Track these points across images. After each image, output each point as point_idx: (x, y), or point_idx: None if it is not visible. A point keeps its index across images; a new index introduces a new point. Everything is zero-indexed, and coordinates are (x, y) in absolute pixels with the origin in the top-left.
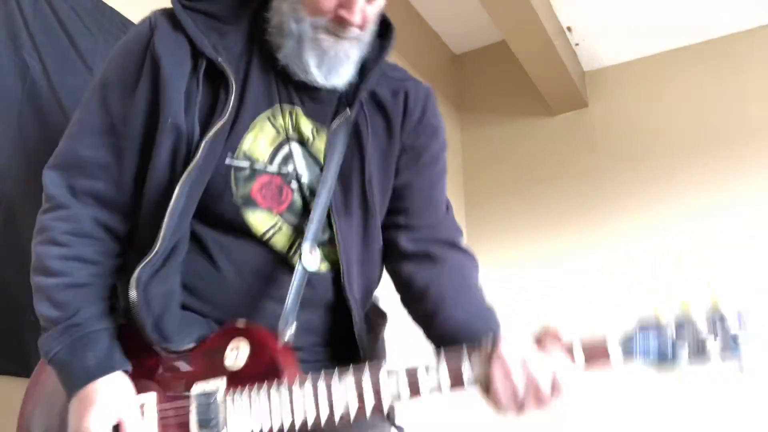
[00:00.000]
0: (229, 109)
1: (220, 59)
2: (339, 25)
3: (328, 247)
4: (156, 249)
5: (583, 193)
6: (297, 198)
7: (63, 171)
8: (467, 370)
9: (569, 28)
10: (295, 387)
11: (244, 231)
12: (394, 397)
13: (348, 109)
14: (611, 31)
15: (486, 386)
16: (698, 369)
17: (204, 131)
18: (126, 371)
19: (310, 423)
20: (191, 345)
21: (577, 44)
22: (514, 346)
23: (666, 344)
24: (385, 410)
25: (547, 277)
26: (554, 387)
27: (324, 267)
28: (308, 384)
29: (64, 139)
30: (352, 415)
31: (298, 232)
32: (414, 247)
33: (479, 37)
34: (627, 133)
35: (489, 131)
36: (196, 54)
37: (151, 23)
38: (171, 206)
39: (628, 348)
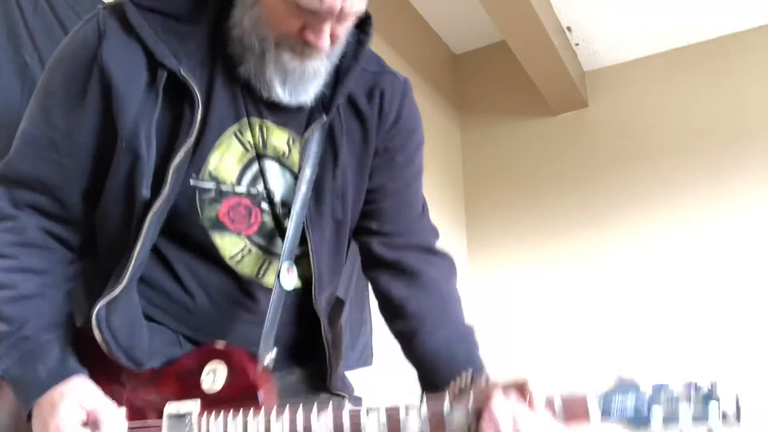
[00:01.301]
0: (196, 127)
1: (182, 70)
2: (305, 46)
3: (300, 261)
4: (123, 284)
5: (582, 193)
6: (267, 219)
7: (5, 183)
8: (450, 418)
9: (569, 28)
10: (272, 418)
11: (211, 254)
12: None
13: (324, 115)
14: (611, 31)
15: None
16: None
17: (168, 155)
18: (83, 375)
19: None
20: (161, 364)
21: (577, 44)
22: (502, 400)
23: (642, 405)
24: None
25: (546, 276)
26: None
27: (297, 283)
28: (286, 416)
29: (10, 151)
30: None
31: (267, 254)
32: (389, 255)
33: (479, 37)
34: (627, 133)
35: (489, 131)
36: (154, 65)
37: (99, 28)
38: (139, 244)
39: (606, 406)
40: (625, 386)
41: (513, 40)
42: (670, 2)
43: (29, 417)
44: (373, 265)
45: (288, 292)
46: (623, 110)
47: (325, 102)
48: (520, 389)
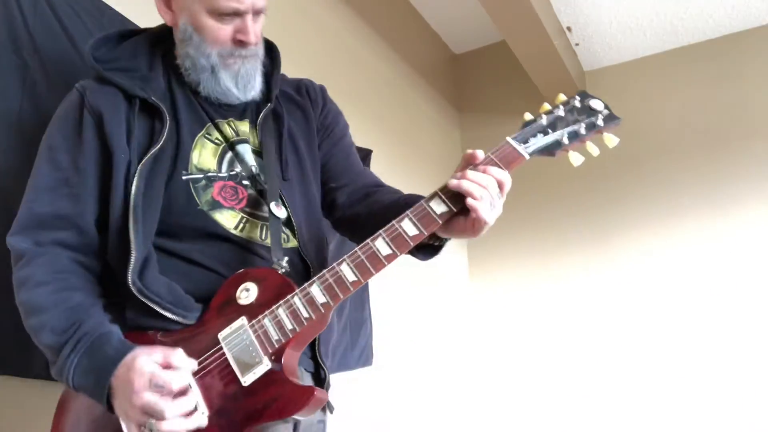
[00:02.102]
0: (164, 136)
1: (152, 97)
2: (240, 47)
3: (289, 228)
4: (134, 255)
5: (582, 193)
6: (252, 192)
7: (25, 232)
8: (434, 207)
9: (569, 28)
10: (307, 287)
11: (216, 231)
12: (389, 254)
13: (268, 104)
14: (611, 31)
15: (453, 212)
16: (576, 144)
17: (140, 160)
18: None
19: (331, 305)
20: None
21: (577, 44)
22: (459, 174)
23: (546, 130)
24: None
25: (545, 276)
26: (500, 186)
27: (291, 244)
28: (316, 281)
29: (21, 208)
30: (362, 280)
31: (262, 220)
32: (349, 198)
33: (479, 37)
34: (627, 133)
35: (489, 131)
36: (129, 97)
37: (78, 90)
38: (131, 224)
39: (522, 139)
40: (529, 125)
41: (513, 40)
42: (670, 2)
43: (108, 406)
44: (341, 210)
45: (289, 251)
46: (623, 110)
47: (265, 97)
48: (467, 161)
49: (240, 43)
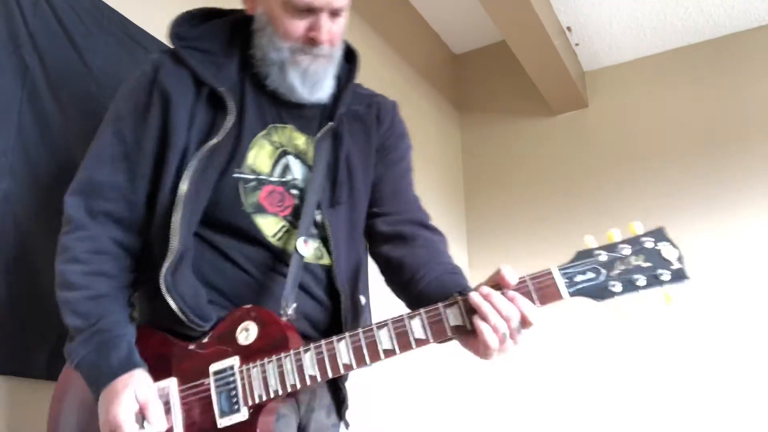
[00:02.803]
0: (227, 130)
1: (220, 89)
2: (311, 45)
3: (325, 247)
4: (172, 250)
5: (582, 193)
6: (297, 203)
7: (81, 196)
8: (450, 316)
9: (569, 28)
10: (302, 352)
11: (255, 236)
12: (388, 350)
13: (330, 122)
14: (611, 31)
15: (467, 329)
16: (629, 295)
17: (198, 149)
18: (144, 369)
19: (318, 380)
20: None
21: (577, 44)
22: (486, 291)
23: (600, 275)
24: (382, 357)
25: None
26: (524, 322)
27: (325, 261)
28: (312, 348)
29: (80, 170)
30: (355, 367)
31: (302, 233)
32: (389, 229)
33: (479, 37)
34: (627, 133)
35: (489, 131)
36: (199, 83)
37: (154, 63)
38: (175, 215)
39: (568, 275)
40: (583, 257)
41: (513, 40)
42: (669, 2)
43: (96, 397)
44: (377, 242)
45: (319, 270)
46: (623, 110)
47: (331, 113)
48: (496, 281)
49: (311, 40)
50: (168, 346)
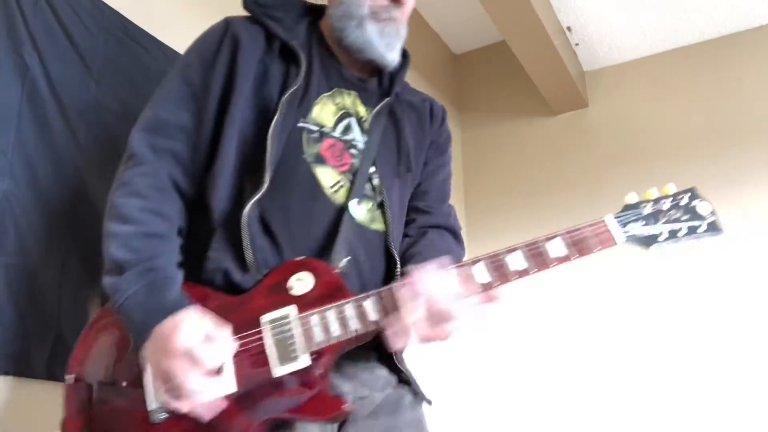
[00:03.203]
0: (301, 78)
1: (292, 42)
2: (393, 5)
3: (380, 211)
4: (264, 186)
5: (582, 193)
6: (355, 162)
7: (146, 132)
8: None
9: (569, 28)
10: (362, 299)
11: (312, 185)
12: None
13: (387, 98)
14: (611, 31)
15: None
16: (671, 243)
17: (279, 97)
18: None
19: (378, 324)
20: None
21: (577, 44)
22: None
23: (646, 220)
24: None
25: (546, 276)
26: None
27: (377, 226)
28: (373, 295)
29: (146, 109)
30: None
31: (357, 190)
32: (424, 225)
33: (479, 37)
34: (627, 133)
35: (489, 131)
36: (270, 37)
37: (225, 20)
38: (268, 152)
39: (621, 222)
40: (630, 209)
41: (513, 40)
42: (669, 2)
43: (137, 347)
44: (409, 232)
45: (374, 235)
46: (623, 110)
47: (387, 91)
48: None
49: (394, 1)
50: (213, 299)
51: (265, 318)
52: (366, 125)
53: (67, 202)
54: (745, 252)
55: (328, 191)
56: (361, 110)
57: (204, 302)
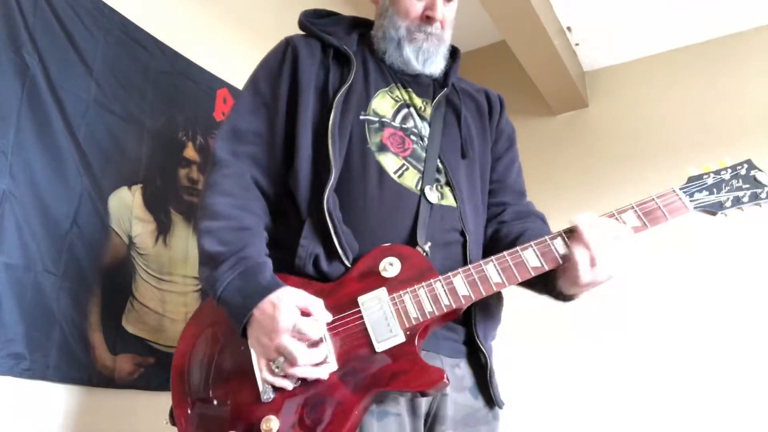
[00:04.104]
0: (352, 76)
1: (344, 46)
2: (426, 23)
3: (448, 189)
4: (332, 174)
5: (582, 193)
6: (417, 147)
7: (226, 140)
8: (554, 246)
9: (569, 28)
10: (451, 276)
11: (379, 172)
12: (536, 267)
13: (445, 89)
14: (611, 31)
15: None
16: (736, 209)
17: (334, 96)
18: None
19: (472, 299)
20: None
21: (577, 44)
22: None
23: (711, 189)
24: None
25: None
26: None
27: (447, 202)
28: (461, 273)
29: (224, 123)
30: (506, 284)
31: (420, 173)
32: (516, 216)
33: (479, 37)
34: (627, 133)
35: None
36: (325, 47)
37: (286, 39)
38: (330, 144)
39: (689, 192)
40: (694, 180)
41: (513, 40)
42: (669, 2)
43: (243, 331)
44: (502, 225)
45: (446, 211)
46: (623, 110)
47: (442, 84)
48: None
49: (428, 19)
50: (310, 287)
51: (361, 299)
52: (426, 114)
53: (67, 202)
54: (746, 251)
55: (393, 175)
56: (418, 102)
57: (303, 288)
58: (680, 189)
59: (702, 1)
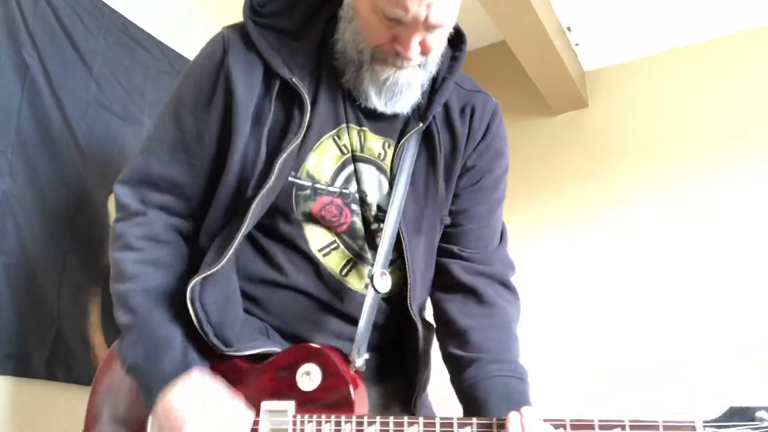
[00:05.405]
0: (304, 128)
1: (294, 79)
2: (396, 57)
3: (393, 267)
4: (222, 263)
5: (582, 193)
6: (357, 220)
7: (134, 186)
8: None
9: (569, 28)
10: (365, 424)
11: (301, 246)
12: None
13: (420, 123)
14: (611, 31)
15: None
16: None
17: (276, 151)
18: (201, 369)
19: None
20: (254, 351)
21: (577, 44)
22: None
23: None
24: None
25: (546, 277)
26: None
27: (393, 288)
28: (378, 425)
29: (138, 155)
30: None
31: (353, 254)
32: (467, 280)
33: (479, 37)
34: (627, 133)
35: None
36: (269, 74)
37: (224, 42)
38: (243, 229)
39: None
40: (737, 418)
41: (513, 40)
42: (670, 2)
43: (147, 407)
44: (446, 288)
45: (380, 299)
46: (623, 110)
47: (421, 111)
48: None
49: (396, 52)
50: (221, 360)
51: (265, 406)
52: (385, 163)
53: (67, 202)
54: (746, 250)
55: (317, 254)
56: (375, 148)
57: (213, 363)
58: (708, 425)
59: (702, 1)
